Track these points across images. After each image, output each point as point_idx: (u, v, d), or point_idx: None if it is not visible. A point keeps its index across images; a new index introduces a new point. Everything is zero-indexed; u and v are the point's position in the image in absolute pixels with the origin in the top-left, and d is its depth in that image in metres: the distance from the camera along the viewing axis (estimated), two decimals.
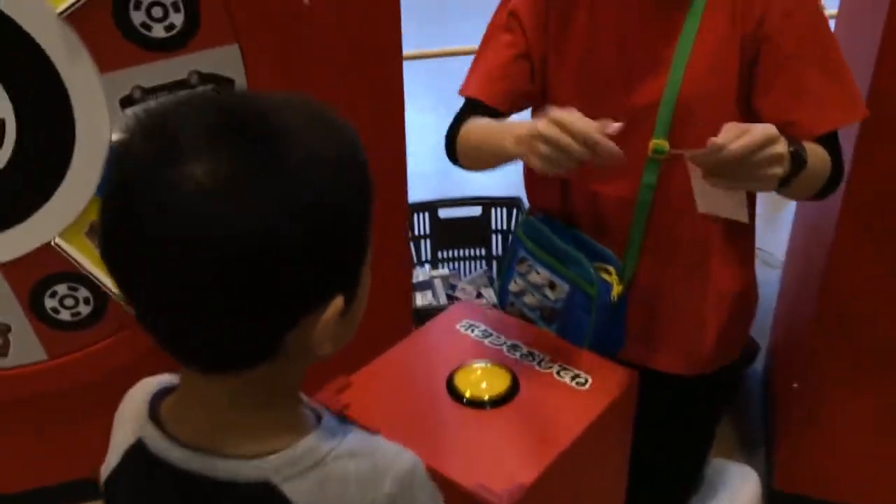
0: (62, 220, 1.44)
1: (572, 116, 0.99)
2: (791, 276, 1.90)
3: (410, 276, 1.95)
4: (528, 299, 1.35)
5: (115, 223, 0.57)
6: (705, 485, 1.70)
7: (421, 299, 2.31)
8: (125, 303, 0.60)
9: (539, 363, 1.24)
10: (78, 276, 1.49)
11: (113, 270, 0.58)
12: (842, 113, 1.14)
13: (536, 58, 1.25)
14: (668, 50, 1.15)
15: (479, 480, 1.01)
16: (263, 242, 0.53)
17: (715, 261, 1.27)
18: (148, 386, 0.70)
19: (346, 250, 0.60)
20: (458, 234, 2.44)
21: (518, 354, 1.25)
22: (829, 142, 1.13)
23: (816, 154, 1.10)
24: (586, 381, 1.20)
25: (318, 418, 0.66)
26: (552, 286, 1.29)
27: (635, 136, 1.14)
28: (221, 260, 0.53)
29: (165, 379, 0.70)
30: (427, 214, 2.40)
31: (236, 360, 0.60)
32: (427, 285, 2.36)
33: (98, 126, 1.39)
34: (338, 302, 0.60)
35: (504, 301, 1.42)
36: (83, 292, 1.51)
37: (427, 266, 2.45)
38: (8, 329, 1.53)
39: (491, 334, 1.30)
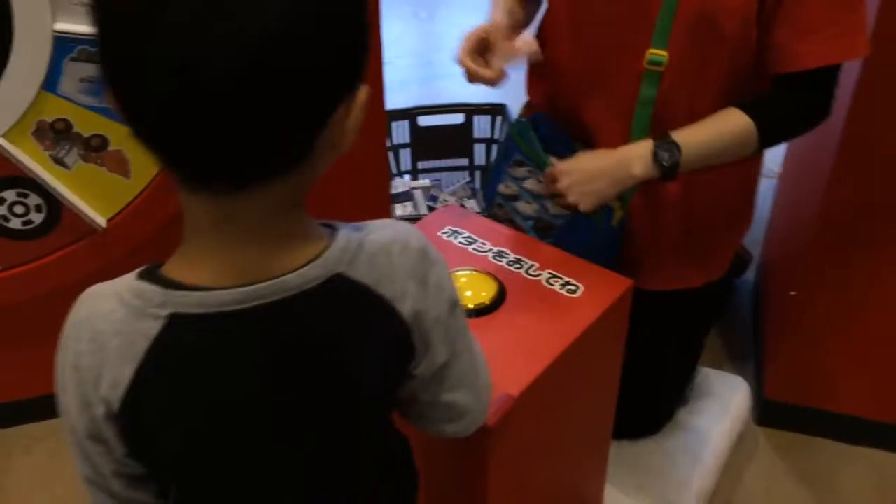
0: (5, 119, 1.32)
1: (468, 38, 1.11)
2: (789, 186, 1.82)
3: (388, 187, 1.84)
4: (523, 207, 1.29)
5: (124, 30, 0.53)
6: (695, 395, 1.66)
7: (401, 210, 2.21)
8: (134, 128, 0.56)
9: (527, 270, 1.15)
10: (27, 181, 1.37)
11: (125, 85, 0.55)
12: (840, 49, 1.09)
13: None
14: None
15: None
16: (296, 27, 0.53)
17: (712, 175, 1.21)
18: (110, 288, 0.63)
19: (367, 32, 0.60)
20: (440, 143, 2.31)
21: (505, 261, 1.17)
22: (818, 76, 1.11)
23: (719, 139, 1.14)
24: (577, 288, 1.12)
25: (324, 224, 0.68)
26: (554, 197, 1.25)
27: (627, 46, 1.13)
28: (262, 47, 0.52)
29: (124, 279, 0.63)
30: (407, 123, 2.28)
31: (275, 165, 0.58)
32: (407, 196, 2.25)
33: (39, 14, 1.25)
34: (364, 91, 0.61)
35: (490, 201, 1.34)
36: (34, 199, 1.40)
37: (407, 177, 2.34)
38: None
39: (475, 241, 1.22)
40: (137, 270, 0.63)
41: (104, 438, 0.63)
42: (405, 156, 2.33)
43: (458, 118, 2.30)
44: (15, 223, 1.41)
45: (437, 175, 2.37)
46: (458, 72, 1.20)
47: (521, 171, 1.27)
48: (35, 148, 1.35)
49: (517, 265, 1.17)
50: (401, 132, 2.29)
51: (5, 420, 1.71)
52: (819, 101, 1.15)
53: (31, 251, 1.45)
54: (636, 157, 1.14)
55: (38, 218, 1.42)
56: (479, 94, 2.20)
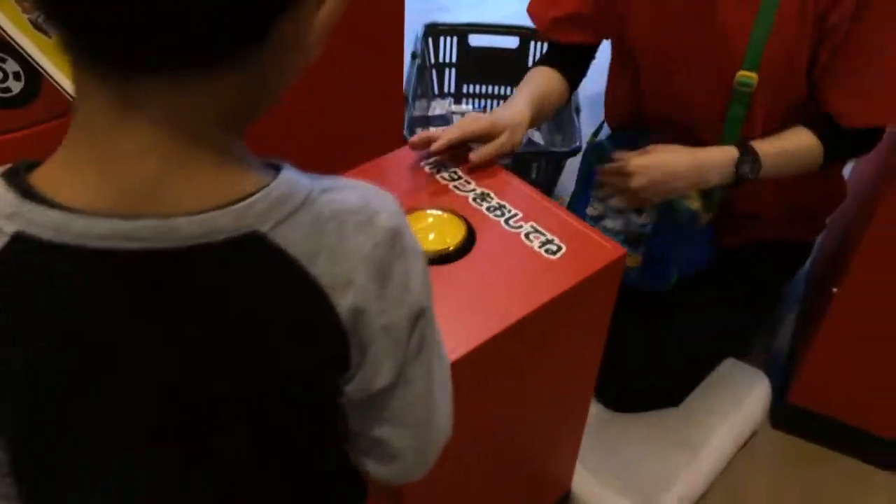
0: None
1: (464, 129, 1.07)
2: (855, 183, 1.59)
3: (402, 109, 1.66)
4: (610, 224, 1.32)
5: None
6: (709, 380, 1.49)
7: None
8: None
9: (507, 220, 1.00)
10: (4, 45, 1.27)
11: None
12: (885, 113, 1.14)
13: None
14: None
15: None
16: None
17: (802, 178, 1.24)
18: None
19: None
20: (489, 66, 2.13)
21: (485, 206, 1.02)
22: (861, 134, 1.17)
23: (793, 157, 1.18)
24: (559, 249, 0.96)
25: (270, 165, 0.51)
26: (639, 211, 1.27)
27: (715, 66, 1.16)
28: None
29: None
30: (455, 40, 2.09)
31: (204, 41, 0.42)
32: (444, 120, 2.08)
33: None
34: None
35: None
36: (12, 65, 1.30)
37: (450, 100, 2.17)
38: None
39: (460, 177, 1.06)
40: (7, 165, 0.48)
41: None
42: (449, 76, 2.16)
43: (512, 41, 2.10)
44: None
45: (482, 102, 2.19)
46: None
47: (603, 192, 1.29)
48: (13, 9, 1.24)
49: (497, 212, 1.01)
50: (447, 49, 2.12)
51: None
52: (866, 144, 1.22)
53: (6, 122, 1.36)
54: (717, 165, 1.15)
55: (16, 87, 1.32)
56: None
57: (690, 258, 1.31)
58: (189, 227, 0.45)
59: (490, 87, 2.16)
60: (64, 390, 0.49)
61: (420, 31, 2.07)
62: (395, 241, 0.51)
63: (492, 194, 1.04)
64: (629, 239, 1.31)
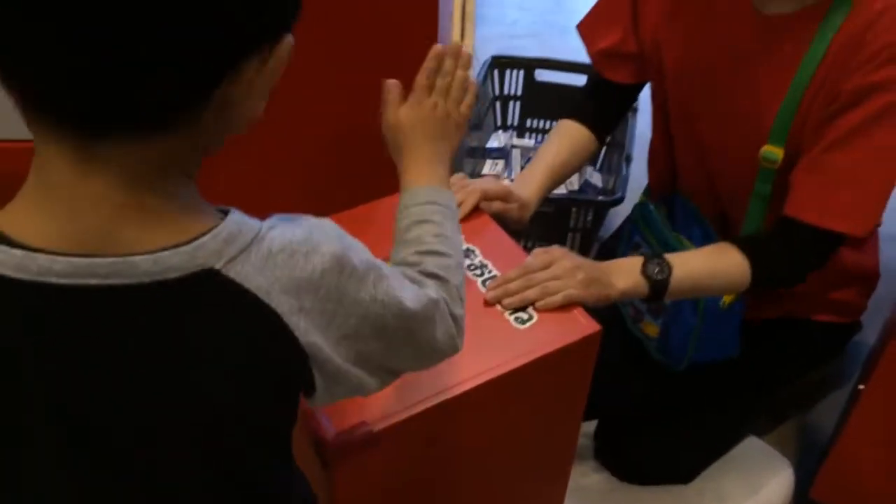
0: None
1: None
2: None
3: None
4: None
5: None
6: (727, 458, 1.40)
7: (489, 168, 2.02)
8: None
9: (484, 280, 0.97)
10: None
11: None
12: (838, 217, 1.03)
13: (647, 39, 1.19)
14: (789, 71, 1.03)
15: (329, 411, 0.79)
16: None
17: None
18: None
19: None
20: (555, 101, 2.08)
21: (468, 263, 0.99)
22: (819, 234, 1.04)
23: (707, 274, 1.08)
24: (529, 319, 0.92)
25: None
26: None
27: (742, 140, 1.10)
28: None
29: None
30: (521, 73, 2.06)
31: (146, 112, 0.47)
32: (502, 153, 2.06)
33: None
34: (289, 40, 0.52)
35: None
36: None
37: (512, 132, 2.14)
38: None
39: None
40: None
41: None
42: (513, 109, 2.13)
43: (580, 79, 2.05)
44: None
45: (543, 137, 2.15)
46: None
47: (637, 254, 1.19)
48: None
49: (478, 271, 0.98)
50: (514, 82, 2.09)
51: None
52: (809, 258, 1.09)
53: None
54: (622, 269, 1.03)
55: None
56: None
57: (711, 343, 1.22)
58: (145, 265, 0.48)
59: (554, 123, 2.12)
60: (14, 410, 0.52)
61: (487, 61, 2.05)
62: (342, 264, 0.55)
63: (477, 251, 1.01)
64: (651, 309, 1.25)
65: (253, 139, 0.61)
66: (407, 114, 0.78)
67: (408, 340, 0.63)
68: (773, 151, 1.06)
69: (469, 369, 0.85)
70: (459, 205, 1.05)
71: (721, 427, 1.38)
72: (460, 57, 0.80)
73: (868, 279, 1.34)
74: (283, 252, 0.52)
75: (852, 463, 1.27)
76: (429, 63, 0.80)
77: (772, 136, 1.06)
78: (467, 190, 1.07)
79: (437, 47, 0.80)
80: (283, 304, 0.52)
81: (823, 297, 1.29)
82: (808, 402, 1.57)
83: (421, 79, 0.79)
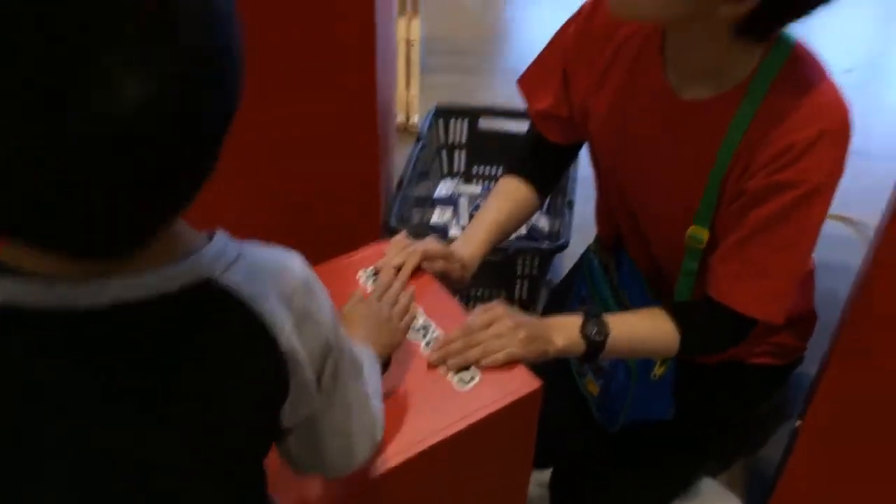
0: None
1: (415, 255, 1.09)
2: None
3: (379, 194, 1.64)
4: None
5: None
6: (681, 498, 1.42)
7: (437, 217, 2.05)
8: None
9: (428, 342, 0.99)
10: None
11: None
12: (754, 305, 1.06)
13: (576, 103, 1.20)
14: (713, 146, 1.03)
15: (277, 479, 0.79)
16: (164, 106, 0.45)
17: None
18: None
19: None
20: (500, 149, 2.13)
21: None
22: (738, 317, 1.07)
23: (643, 336, 1.11)
24: (472, 379, 0.94)
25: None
26: None
27: (670, 218, 1.11)
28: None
29: None
30: (466, 121, 2.11)
31: (118, 245, 0.51)
32: (449, 201, 2.09)
33: None
34: None
35: None
36: None
37: (458, 179, 2.18)
38: None
39: None
40: None
41: None
42: (459, 157, 2.17)
43: (522, 125, 2.10)
44: None
45: (489, 183, 2.19)
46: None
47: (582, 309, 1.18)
48: None
49: (421, 332, 1.00)
50: (458, 131, 2.13)
51: None
52: (732, 335, 1.12)
53: None
54: (561, 327, 1.04)
55: None
56: None
57: (644, 405, 1.21)
58: (150, 281, 0.53)
59: (499, 170, 2.16)
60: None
61: (431, 110, 2.09)
62: (309, 287, 0.61)
63: (421, 310, 1.03)
64: (593, 368, 1.25)
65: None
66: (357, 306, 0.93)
67: (355, 376, 0.69)
68: (699, 232, 1.07)
69: (414, 434, 0.86)
70: (402, 266, 1.07)
71: (668, 477, 1.38)
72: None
73: (805, 321, 1.34)
74: (263, 265, 0.59)
75: (795, 499, 1.30)
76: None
77: (697, 218, 1.07)
78: (408, 251, 1.09)
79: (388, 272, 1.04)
80: (267, 315, 0.57)
81: (762, 341, 1.29)
82: (759, 433, 1.61)
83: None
